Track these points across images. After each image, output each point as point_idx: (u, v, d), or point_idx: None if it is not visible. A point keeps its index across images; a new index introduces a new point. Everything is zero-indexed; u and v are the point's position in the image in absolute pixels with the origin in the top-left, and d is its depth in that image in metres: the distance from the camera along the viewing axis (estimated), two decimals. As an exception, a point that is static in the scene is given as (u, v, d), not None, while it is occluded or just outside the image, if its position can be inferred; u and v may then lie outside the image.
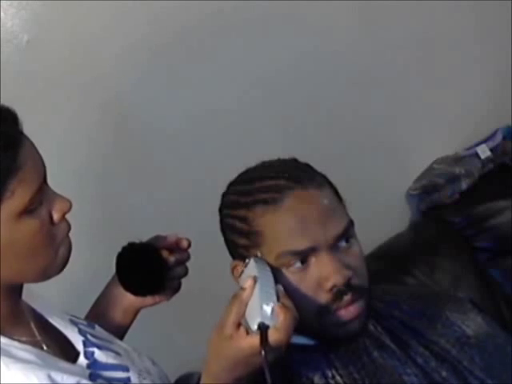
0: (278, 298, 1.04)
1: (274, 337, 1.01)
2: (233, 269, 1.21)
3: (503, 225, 2.05)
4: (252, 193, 1.17)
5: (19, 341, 1.02)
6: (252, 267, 1.10)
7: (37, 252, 1.00)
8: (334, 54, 2.03)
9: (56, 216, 1.02)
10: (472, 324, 1.29)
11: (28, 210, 0.97)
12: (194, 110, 1.87)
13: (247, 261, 1.12)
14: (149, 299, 1.26)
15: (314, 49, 1.99)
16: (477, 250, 2.04)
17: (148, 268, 1.21)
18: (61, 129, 1.76)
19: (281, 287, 1.07)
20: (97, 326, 1.20)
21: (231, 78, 1.90)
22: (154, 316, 1.52)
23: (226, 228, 1.23)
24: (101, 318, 1.25)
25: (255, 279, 1.06)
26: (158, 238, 1.27)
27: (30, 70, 1.70)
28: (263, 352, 0.99)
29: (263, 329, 1.00)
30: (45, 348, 1.06)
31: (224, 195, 1.24)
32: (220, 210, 1.24)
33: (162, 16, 1.80)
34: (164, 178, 1.86)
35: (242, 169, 1.25)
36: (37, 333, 1.07)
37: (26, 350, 1.01)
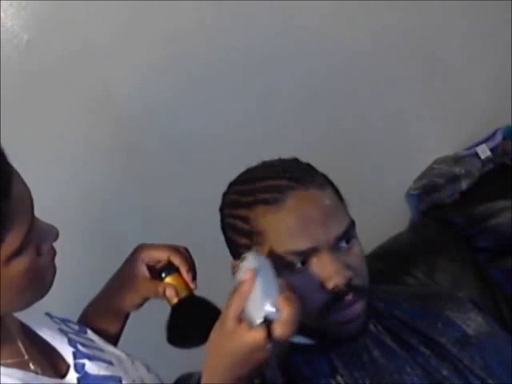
0: (281, 291, 1.00)
1: (279, 331, 0.97)
2: (233, 269, 1.21)
3: (503, 225, 2.05)
4: (253, 192, 1.17)
5: (5, 364, 1.00)
6: (250, 261, 1.05)
7: (25, 288, 0.98)
8: (334, 54, 2.03)
9: (44, 248, 0.99)
10: (472, 324, 1.29)
11: (17, 253, 0.95)
12: (194, 109, 1.87)
13: (244, 255, 1.07)
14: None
15: (315, 49, 1.99)
16: (477, 250, 2.04)
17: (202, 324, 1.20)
18: (60, 128, 1.75)
19: (282, 279, 1.02)
20: (89, 331, 1.18)
21: (231, 78, 1.90)
22: (154, 316, 1.52)
23: (226, 228, 1.22)
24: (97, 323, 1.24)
25: (255, 271, 1.01)
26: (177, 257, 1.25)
27: (30, 69, 1.70)
28: (269, 346, 0.95)
29: (268, 323, 0.96)
30: (32, 367, 1.03)
31: (225, 195, 1.24)
32: (221, 210, 1.24)
33: (163, 16, 1.80)
34: (164, 177, 1.86)
35: (242, 168, 1.25)
36: (24, 351, 1.05)
37: (10, 375, 0.99)
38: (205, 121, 1.89)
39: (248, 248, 1.17)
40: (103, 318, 1.26)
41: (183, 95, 1.86)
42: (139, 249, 1.25)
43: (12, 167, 0.96)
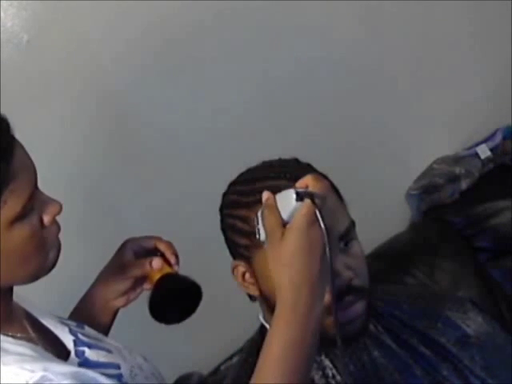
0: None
1: (312, 186, 1.00)
2: (233, 268, 1.21)
3: (503, 225, 2.05)
4: (253, 193, 1.17)
5: (13, 337, 1.02)
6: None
7: (28, 257, 1.01)
8: (334, 54, 2.02)
9: (47, 219, 1.02)
10: (472, 323, 1.29)
11: (19, 217, 0.98)
12: (194, 109, 1.87)
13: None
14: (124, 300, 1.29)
15: (315, 49, 1.99)
16: (477, 249, 2.04)
17: (184, 299, 1.22)
18: (60, 128, 1.76)
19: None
20: (86, 326, 1.20)
21: (231, 78, 1.90)
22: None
23: (226, 228, 1.22)
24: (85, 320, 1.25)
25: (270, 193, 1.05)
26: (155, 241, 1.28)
27: (30, 69, 1.70)
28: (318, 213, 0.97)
29: (301, 193, 0.99)
30: (39, 345, 1.06)
31: (225, 195, 1.24)
32: (221, 210, 1.24)
33: (163, 16, 1.80)
34: (164, 177, 1.86)
35: (242, 168, 1.25)
36: (30, 330, 1.07)
37: (21, 344, 1.01)
38: (205, 121, 1.89)
39: (247, 248, 1.17)
40: (93, 312, 1.28)
41: (183, 96, 1.86)
42: (127, 240, 1.29)
43: (14, 138, 0.99)
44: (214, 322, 1.78)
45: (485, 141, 2.23)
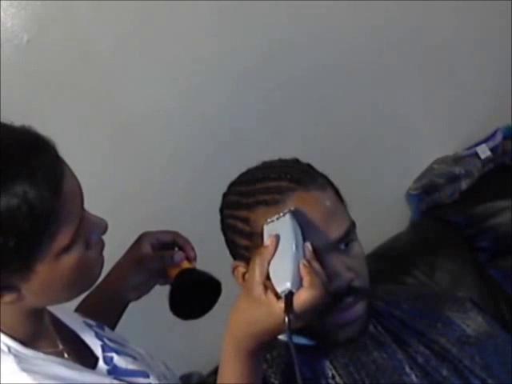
0: (304, 257, 1.01)
1: (297, 300, 0.97)
2: (233, 269, 1.21)
3: (503, 225, 2.05)
4: (253, 194, 1.17)
5: (44, 352, 1.01)
6: (282, 222, 1.06)
7: (73, 282, 0.98)
8: (333, 53, 2.03)
9: (93, 241, 0.99)
10: (472, 323, 1.29)
11: (66, 249, 0.94)
12: (195, 109, 1.87)
13: (273, 218, 1.08)
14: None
15: (314, 49, 1.99)
16: (477, 250, 2.04)
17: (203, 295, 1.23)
18: (60, 129, 1.75)
19: (309, 245, 1.04)
20: (106, 328, 1.19)
21: (232, 78, 1.90)
22: (154, 316, 1.53)
23: (227, 228, 1.22)
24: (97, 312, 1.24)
25: (277, 238, 1.03)
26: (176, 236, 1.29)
27: (30, 70, 1.70)
28: (287, 319, 0.96)
29: (288, 295, 0.97)
30: (66, 356, 1.05)
31: (225, 195, 1.24)
32: (221, 211, 1.24)
33: (162, 15, 1.80)
34: (164, 177, 1.86)
35: (242, 169, 1.25)
36: (59, 342, 1.06)
37: (53, 360, 1.00)
38: (206, 121, 1.89)
39: (248, 249, 1.17)
40: (103, 303, 1.27)
41: (184, 95, 1.86)
42: (144, 233, 1.28)
43: (63, 162, 0.97)
44: (214, 321, 1.78)
45: (485, 141, 2.23)
